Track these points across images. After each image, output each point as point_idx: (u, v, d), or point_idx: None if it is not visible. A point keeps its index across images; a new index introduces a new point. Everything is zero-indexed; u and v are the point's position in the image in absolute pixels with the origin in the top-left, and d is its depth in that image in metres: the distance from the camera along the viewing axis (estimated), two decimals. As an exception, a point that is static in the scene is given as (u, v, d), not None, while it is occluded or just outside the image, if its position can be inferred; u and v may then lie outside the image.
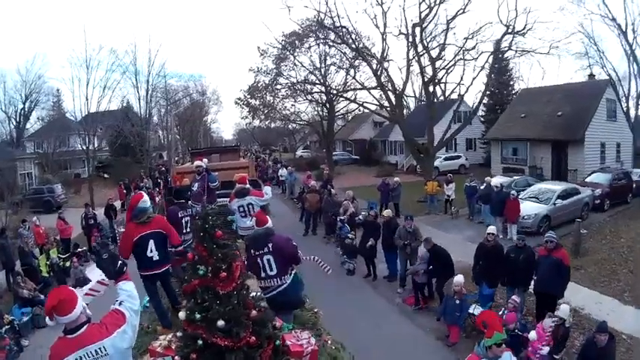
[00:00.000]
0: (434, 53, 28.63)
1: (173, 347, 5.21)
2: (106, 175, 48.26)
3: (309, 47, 40.79)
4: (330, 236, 20.75)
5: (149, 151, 44.86)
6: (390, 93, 29.90)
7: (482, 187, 22.23)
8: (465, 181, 23.95)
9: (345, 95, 38.49)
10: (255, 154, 71.52)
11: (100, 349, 3.87)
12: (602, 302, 13.37)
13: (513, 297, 10.85)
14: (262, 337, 4.72)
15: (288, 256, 6.85)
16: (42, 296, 14.76)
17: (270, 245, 6.72)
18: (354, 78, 36.40)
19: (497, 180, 23.94)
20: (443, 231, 20.57)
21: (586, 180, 26.47)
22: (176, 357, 4.60)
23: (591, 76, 40.64)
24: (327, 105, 47.21)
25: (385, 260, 15.99)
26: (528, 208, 20.06)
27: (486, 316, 10.04)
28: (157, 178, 36.65)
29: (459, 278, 11.34)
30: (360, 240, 16.28)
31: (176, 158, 56.70)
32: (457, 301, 10.99)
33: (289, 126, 63.14)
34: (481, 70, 30.34)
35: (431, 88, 29.61)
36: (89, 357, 3.83)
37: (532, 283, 11.78)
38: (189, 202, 10.84)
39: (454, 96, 35.53)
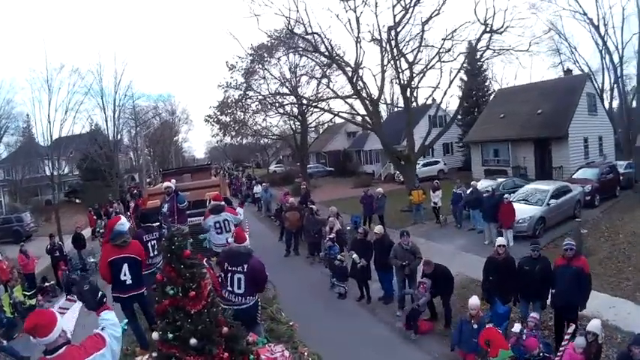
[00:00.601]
0: (410, 57, 27.64)
1: None
2: (77, 201, 47.14)
3: (279, 59, 39.88)
4: (314, 256, 19.22)
5: (119, 174, 43.13)
6: (366, 101, 28.66)
7: (468, 193, 21.12)
8: (453, 188, 22.69)
9: (319, 105, 36.91)
10: (227, 171, 70.38)
11: None
12: (615, 306, 12.25)
13: (533, 314, 9.57)
14: (236, 352, 4.95)
15: (258, 282, 7.10)
16: (4, 342, 13.14)
17: (245, 266, 6.92)
18: (327, 86, 35.20)
19: (482, 184, 23.00)
20: (433, 241, 19.33)
21: (574, 177, 25.71)
22: None
23: (568, 71, 40.80)
24: (300, 117, 45.79)
25: (379, 280, 14.30)
26: (522, 211, 18.83)
27: (488, 334, 8.90)
28: (128, 202, 34.96)
29: (474, 300, 9.82)
30: (352, 261, 14.48)
31: (148, 180, 55.72)
32: (474, 326, 9.46)
33: (261, 141, 61.80)
34: (458, 72, 29.64)
35: (408, 93, 28.34)
36: None
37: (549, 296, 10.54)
38: (161, 223, 11.03)
39: (429, 101, 35.55)
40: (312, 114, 45.25)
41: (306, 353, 6.78)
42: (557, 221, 19.91)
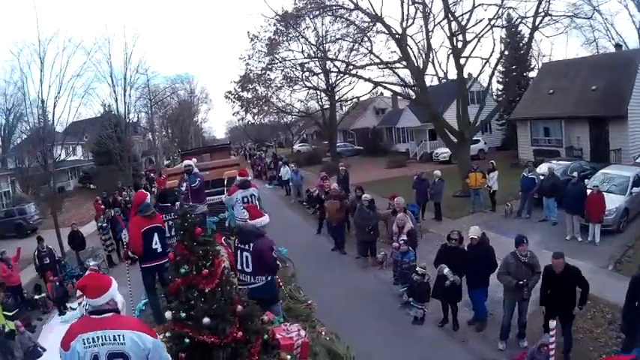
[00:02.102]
0: (460, 22, 24.30)
1: None
2: (92, 186, 45.47)
3: (307, 27, 37.19)
4: (366, 258, 15.76)
5: (131, 157, 40.06)
6: (415, 66, 25.24)
7: (543, 178, 18.19)
8: (524, 172, 19.40)
9: (358, 74, 32.23)
10: (248, 151, 68.35)
11: (118, 336, 3.93)
12: None
13: None
14: (250, 332, 4.94)
15: (264, 264, 6.85)
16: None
17: (251, 245, 6.81)
18: (370, 52, 30.37)
19: (546, 167, 19.89)
20: (504, 235, 15.95)
21: (637, 160, 23.03)
22: None
23: (617, 46, 37.86)
24: (329, 90, 42.91)
25: (470, 298, 10.81)
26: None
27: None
28: (143, 187, 32.09)
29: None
30: (437, 277, 10.81)
31: (166, 162, 54.52)
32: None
33: (284, 119, 59.53)
34: (509, 43, 26.29)
35: (450, 62, 25.24)
36: (106, 340, 3.90)
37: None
38: (181, 203, 11.25)
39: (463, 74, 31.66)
40: (349, 83, 42.86)
41: (323, 332, 6.67)
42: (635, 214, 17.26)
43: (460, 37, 24.37)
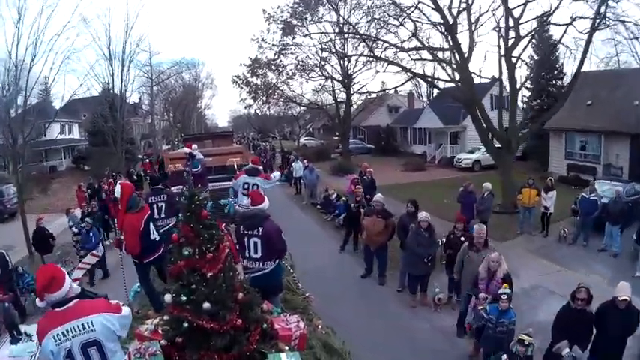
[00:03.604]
0: (516, 13, 21.57)
1: (160, 331, 4.90)
2: (86, 168, 44.14)
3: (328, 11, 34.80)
4: (413, 295, 12.56)
5: (125, 139, 36.93)
6: (459, 56, 22.64)
7: (609, 202, 15.86)
8: (583, 192, 16.92)
9: (394, 61, 29.11)
10: (251, 141, 66.37)
11: (87, 323, 3.90)
12: None
13: None
14: (249, 320, 4.77)
15: (274, 248, 6.69)
16: None
17: (260, 229, 6.60)
18: (414, 36, 26.27)
19: (609, 188, 17.83)
20: (562, 265, 13.78)
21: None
22: (162, 341, 4.58)
23: (657, 59, 35.46)
24: (345, 81, 40.21)
25: None
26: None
27: None
28: (136, 175, 28.98)
29: None
30: (552, 352, 7.80)
31: (166, 146, 53.51)
32: None
33: (290, 111, 57.00)
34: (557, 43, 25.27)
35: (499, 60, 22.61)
36: (76, 331, 3.85)
37: None
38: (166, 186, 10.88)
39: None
40: (372, 74, 41.43)
41: (320, 326, 6.49)
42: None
43: (507, 34, 21.85)
